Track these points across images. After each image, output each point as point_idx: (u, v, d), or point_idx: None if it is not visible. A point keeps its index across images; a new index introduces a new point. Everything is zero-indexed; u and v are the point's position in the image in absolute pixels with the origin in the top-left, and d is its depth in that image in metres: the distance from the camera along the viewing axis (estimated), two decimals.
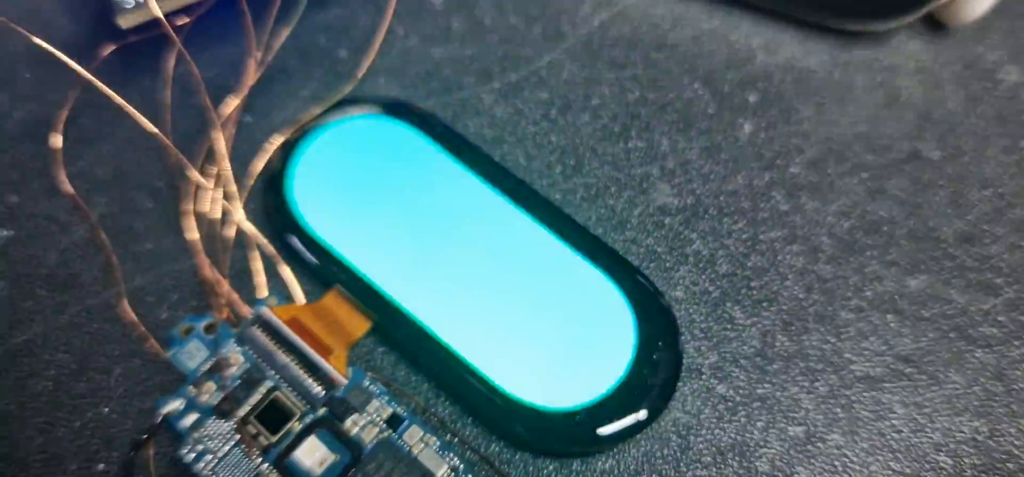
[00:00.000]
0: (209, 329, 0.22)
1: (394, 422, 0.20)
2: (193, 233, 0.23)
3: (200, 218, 0.23)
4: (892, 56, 0.27)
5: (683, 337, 0.22)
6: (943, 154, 0.25)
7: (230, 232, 0.23)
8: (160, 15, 0.23)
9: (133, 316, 0.23)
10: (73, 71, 0.25)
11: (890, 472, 0.20)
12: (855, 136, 0.25)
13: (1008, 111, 0.26)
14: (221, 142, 0.24)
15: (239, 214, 0.23)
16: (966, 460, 0.20)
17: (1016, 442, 0.21)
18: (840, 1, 0.26)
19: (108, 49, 0.24)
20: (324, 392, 0.21)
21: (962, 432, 0.21)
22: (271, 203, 0.24)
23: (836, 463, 0.21)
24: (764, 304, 0.22)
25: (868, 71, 0.26)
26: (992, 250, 0.23)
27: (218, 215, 0.23)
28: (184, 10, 0.24)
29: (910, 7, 0.25)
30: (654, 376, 0.21)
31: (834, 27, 0.27)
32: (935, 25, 0.27)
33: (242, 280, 0.23)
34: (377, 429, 0.20)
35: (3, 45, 0.27)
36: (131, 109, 0.24)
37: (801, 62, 0.27)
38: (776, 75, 0.26)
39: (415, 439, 0.20)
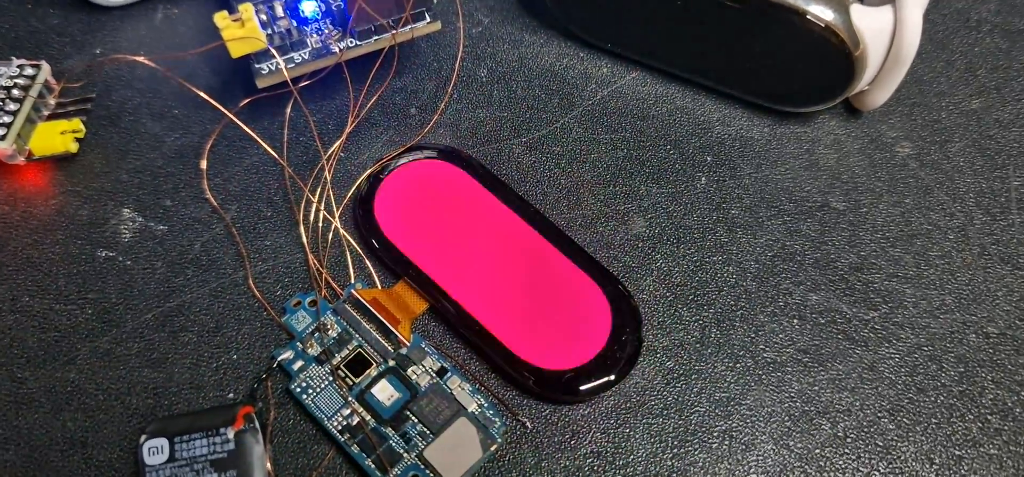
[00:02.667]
0: (312, 303, 0.29)
1: (441, 373, 0.28)
2: (303, 234, 0.31)
3: (308, 224, 0.31)
4: (815, 131, 0.33)
5: (645, 327, 0.29)
6: (846, 205, 0.31)
7: (330, 235, 0.31)
8: (288, 79, 0.31)
9: (257, 292, 0.30)
10: (212, 110, 0.33)
11: (785, 429, 0.27)
12: (781, 189, 0.32)
13: (899, 176, 0.32)
14: (326, 170, 0.32)
15: (337, 222, 0.31)
16: (841, 425, 0.27)
17: (881, 417, 0.28)
18: (779, 90, 0.32)
19: (246, 100, 0.33)
20: (393, 350, 0.28)
21: (841, 405, 0.28)
22: (360, 216, 0.31)
23: (746, 420, 0.27)
24: (704, 307, 0.29)
25: (796, 141, 0.33)
26: (875, 278, 0.30)
27: (320, 223, 0.31)
28: (305, 76, 0.32)
29: (829, 97, 0.31)
30: (622, 352, 0.28)
31: (774, 108, 0.33)
32: (850, 109, 0.33)
33: (337, 270, 0.30)
34: (429, 376, 0.28)
35: (157, 88, 0.34)
36: (260, 141, 0.32)
37: (747, 133, 0.33)
38: (727, 142, 0.33)
39: (455, 384, 0.28)
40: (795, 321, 0.29)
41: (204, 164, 0.33)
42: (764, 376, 0.28)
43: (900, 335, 0.29)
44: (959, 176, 0.32)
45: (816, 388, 0.28)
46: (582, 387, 0.27)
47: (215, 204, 0.32)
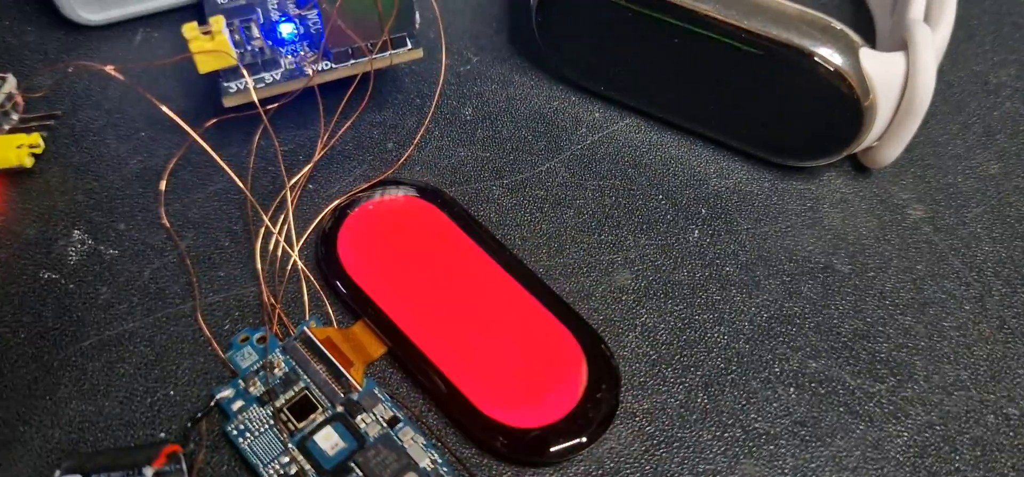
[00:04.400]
0: (261, 340, 0.27)
1: (393, 423, 0.25)
2: (259, 266, 0.29)
3: (265, 256, 0.29)
4: (820, 188, 0.31)
5: (624, 386, 0.26)
6: (852, 268, 0.29)
7: (288, 269, 0.29)
8: (256, 100, 0.29)
9: (203, 324, 0.28)
10: (179, 134, 0.31)
11: None
12: (781, 248, 0.29)
13: (910, 240, 0.29)
14: (289, 199, 0.30)
15: (295, 255, 0.29)
16: None
17: None
18: (780, 142, 0.30)
19: (212, 120, 0.31)
20: (342, 394, 0.26)
21: None
22: (321, 251, 0.29)
23: None
24: (691, 368, 0.27)
25: (799, 198, 0.30)
26: (882, 348, 0.27)
27: (279, 254, 0.29)
28: (274, 98, 0.30)
29: (835, 151, 0.29)
30: (596, 412, 0.25)
31: (775, 162, 0.31)
32: (858, 167, 0.31)
33: (293, 307, 0.28)
34: (379, 426, 0.25)
35: (126, 110, 0.33)
36: (225, 166, 0.30)
37: (746, 187, 0.31)
38: (724, 195, 0.31)
39: (408, 437, 0.25)
40: (792, 390, 0.26)
41: (163, 185, 0.31)
42: (755, 449, 0.25)
43: (909, 411, 0.26)
44: (976, 243, 0.30)
45: (813, 465, 0.25)
46: (552, 449, 0.25)
47: (171, 230, 0.30)
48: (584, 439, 0.25)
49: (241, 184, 0.29)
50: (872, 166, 0.31)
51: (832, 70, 0.27)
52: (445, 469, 0.24)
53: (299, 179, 0.30)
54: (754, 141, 0.31)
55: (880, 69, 0.27)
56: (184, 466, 0.24)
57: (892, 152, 0.29)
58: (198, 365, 0.27)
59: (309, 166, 0.30)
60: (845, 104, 0.28)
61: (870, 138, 0.29)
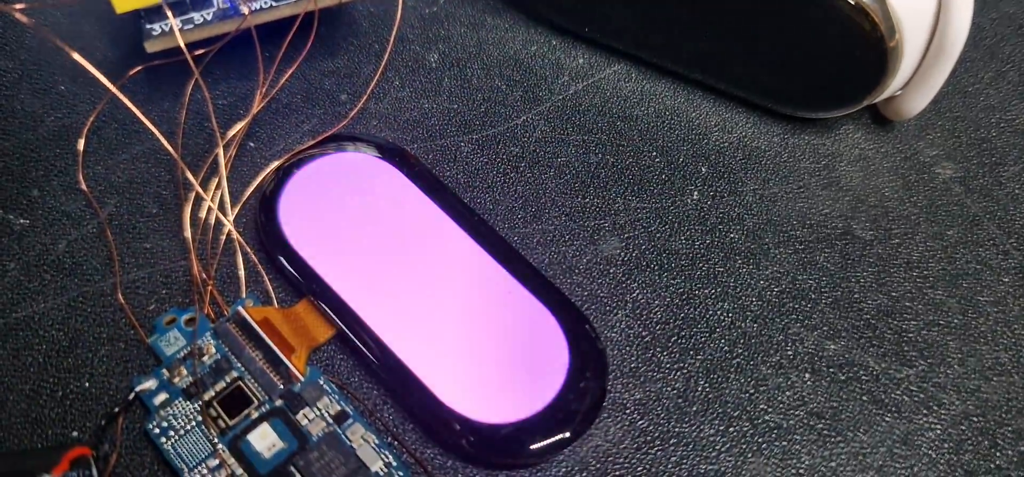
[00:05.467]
0: (189, 322, 0.24)
1: (340, 419, 0.22)
2: (189, 236, 0.25)
3: (196, 224, 0.26)
4: (836, 144, 0.28)
5: (612, 374, 0.23)
6: (874, 235, 0.26)
7: (222, 239, 0.25)
8: (182, 44, 0.25)
9: (125, 304, 0.24)
10: (103, 86, 0.27)
11: None
12: (793, 211, 0.27)
13: (940, 203, 0.27)
14: (222, 160, 0.26)
15: (229, 223, 0.25)
16: None
17: None
18: (792, 90, 0.28)
19: (135, 70, 0.27)
20: (282, 386, 0.22)
21: None
22: (261, 218, 0.25)
23: None
24: (690, 352, 0.24)
25: (813, 155, 0.28)
26: (910, 326, 0.24)
27: (212, 223, 0.26)
28: (205, 42, 0.27)
29: (854, 100, 0.26)
30: (579, 404, 0.22)
31: (785, 113, 0.29)
32: (878, 119, 0.29)
33: (227, 283, 0.25)
34: (324, 423, 0.22)
35: (45, 60, 0.29)
36: (148, 123, 0.26)
37: (752, 142, 0.28)
38: (727, 152, 0.28)
39: (357, 435, 0.22)
40: (807, 376, 0.24)
41: (81, 145, 0.27)
42: (765, 445, 0.22)
43: (942, 400, 0.23)
44: (1015, 206, 0.27)
45: (833, 463, 0.22)
46: (528, 447, 0.22)
47: (90, 196, 0.26)
48: (566, 435, 0.22)
49: (167, 143, 0.25)
50: (895, 118, 0.28)
51: (852, 4, 0.24)
52: (401, 473, 0.21)
53: (235, 136, 0.26)
54: (761, 89, 0.29)
55: (908, 3, 0.24)
56: (94, 472, 0.21)
57: (919, 102, 0.27)
58: (117, 352, 0.24)
59: (246, 120, 0.26)
60: (867, 44, 0.25)
61: (894, 85, 0.26)
